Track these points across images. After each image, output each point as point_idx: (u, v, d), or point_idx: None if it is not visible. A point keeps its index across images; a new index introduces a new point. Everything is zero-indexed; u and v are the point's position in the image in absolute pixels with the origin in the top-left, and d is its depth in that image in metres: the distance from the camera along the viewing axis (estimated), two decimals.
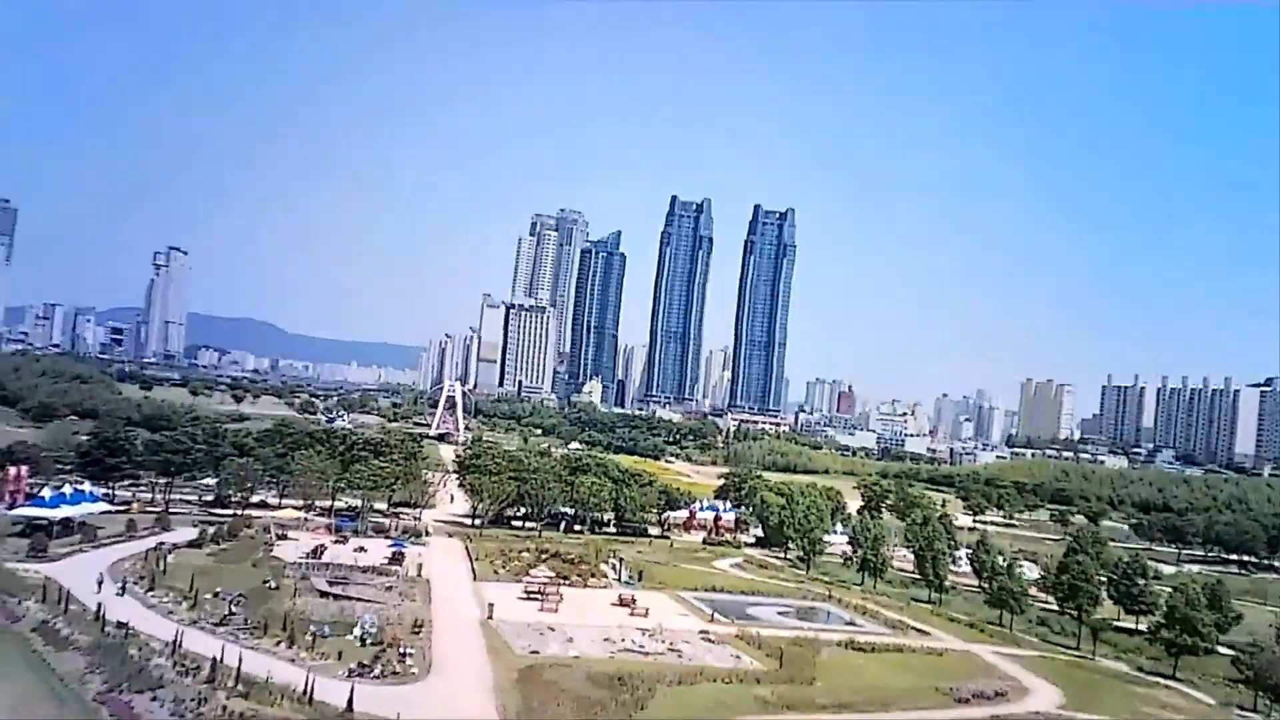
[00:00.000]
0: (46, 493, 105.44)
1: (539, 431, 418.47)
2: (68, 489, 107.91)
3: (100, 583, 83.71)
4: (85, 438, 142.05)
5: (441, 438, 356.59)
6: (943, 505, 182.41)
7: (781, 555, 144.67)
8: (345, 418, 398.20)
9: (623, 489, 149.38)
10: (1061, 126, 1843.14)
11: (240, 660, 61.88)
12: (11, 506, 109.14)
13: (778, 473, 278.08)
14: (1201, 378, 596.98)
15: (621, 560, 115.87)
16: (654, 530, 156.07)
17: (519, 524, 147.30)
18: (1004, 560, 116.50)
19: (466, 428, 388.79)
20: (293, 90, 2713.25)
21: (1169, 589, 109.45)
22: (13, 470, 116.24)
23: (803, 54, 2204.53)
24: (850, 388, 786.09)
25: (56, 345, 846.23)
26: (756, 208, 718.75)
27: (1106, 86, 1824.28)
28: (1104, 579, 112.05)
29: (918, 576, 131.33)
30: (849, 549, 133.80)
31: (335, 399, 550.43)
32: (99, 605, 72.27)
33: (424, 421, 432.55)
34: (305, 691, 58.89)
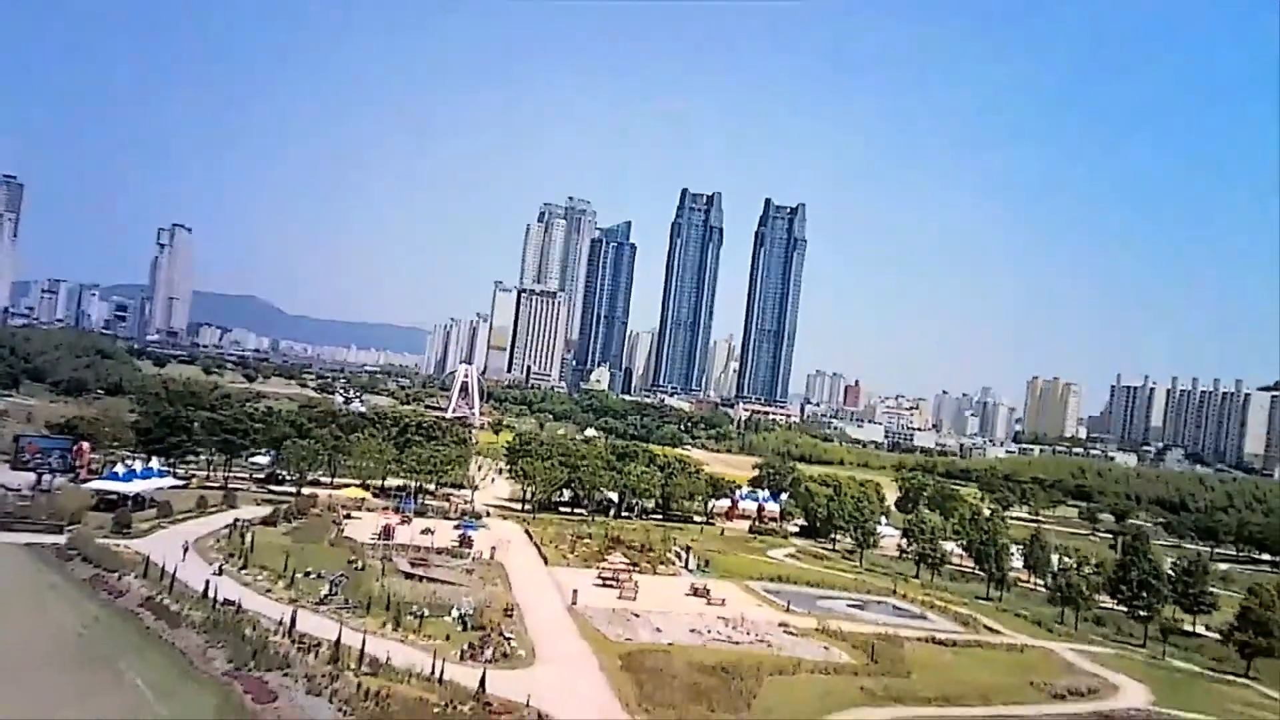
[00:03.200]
0: (120, 468, 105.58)
1: (551, 418, 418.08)
2: (137, 465, 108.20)
3: (185, 552, 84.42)
4: (139, 415, 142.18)
5: (458, 421, 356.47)
6: (982, 500, 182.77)
7: (829, 546, 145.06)
8: (359, 399, 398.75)
9: (671, 477, 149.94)
10: (1072, 121, 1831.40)
11: (363, 641, 62.33)
12: (77, 480, 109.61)
13: (794, 463, 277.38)
14: (1211, 380, 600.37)
15: (688, 549, 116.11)
16: (697, 518, 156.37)
17: (566, 509, 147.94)
18: (1070, 558, 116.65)
19: (481, 412, 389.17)
20: (299, 70, 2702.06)
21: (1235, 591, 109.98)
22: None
23: (815, 48, 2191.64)
24: (857, 381, 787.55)
25: (60, 320, 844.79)
26: (767, 201, 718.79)
27: (1124, 80, 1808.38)
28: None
29: (966, 571, 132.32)
30: (902, 542, 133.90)
31: (343, 380, 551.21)
32: (207, 583, 72.54)
33: (435, 405, 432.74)
34: (432, 672, 59.43)
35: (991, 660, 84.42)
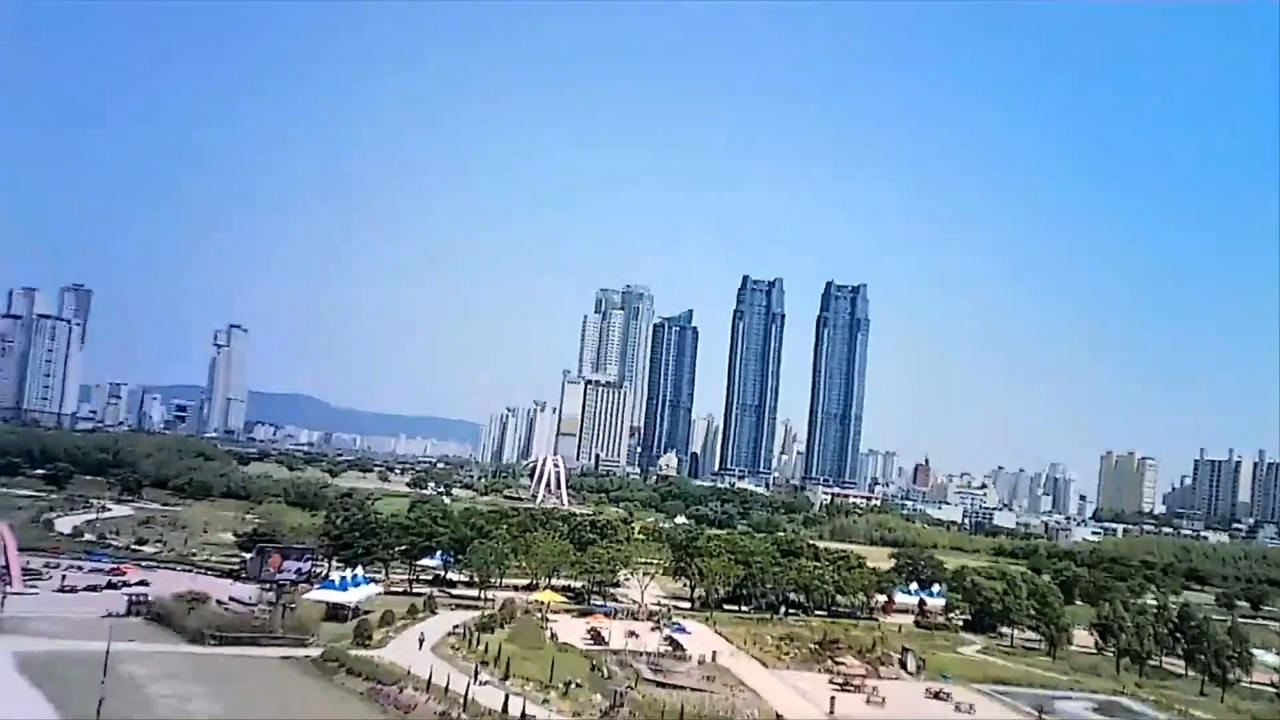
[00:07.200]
0: (336, 577, 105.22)
1: (637, 505, 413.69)
2: (347, 573, 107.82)
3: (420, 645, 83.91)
4: (327, 522, 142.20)
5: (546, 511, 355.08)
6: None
7: (1006, 643, 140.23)
8: (449, 493, 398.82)
9: (841, 571, 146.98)
10: (1133, 187, 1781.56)
11: None
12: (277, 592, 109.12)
13: (886, 547, 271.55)
14: None
15: (906, 649, 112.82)
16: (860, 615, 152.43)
17: (732, 608, 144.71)
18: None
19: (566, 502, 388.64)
20: (343, 162, 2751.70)
21: None
22: (275, 556, 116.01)
23: (868, 129, 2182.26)
24: (926, 460, 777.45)
25: (124, 423, 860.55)
26: (829, 284, 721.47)
27: (1188, 154, 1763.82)
28: None
29: (1156, 666, 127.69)
30: (1097, 639, 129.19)
31: (415, 473, 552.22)
32: (505, 698, 71.19)
33: (513, 495, 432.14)
34: None
35: None
